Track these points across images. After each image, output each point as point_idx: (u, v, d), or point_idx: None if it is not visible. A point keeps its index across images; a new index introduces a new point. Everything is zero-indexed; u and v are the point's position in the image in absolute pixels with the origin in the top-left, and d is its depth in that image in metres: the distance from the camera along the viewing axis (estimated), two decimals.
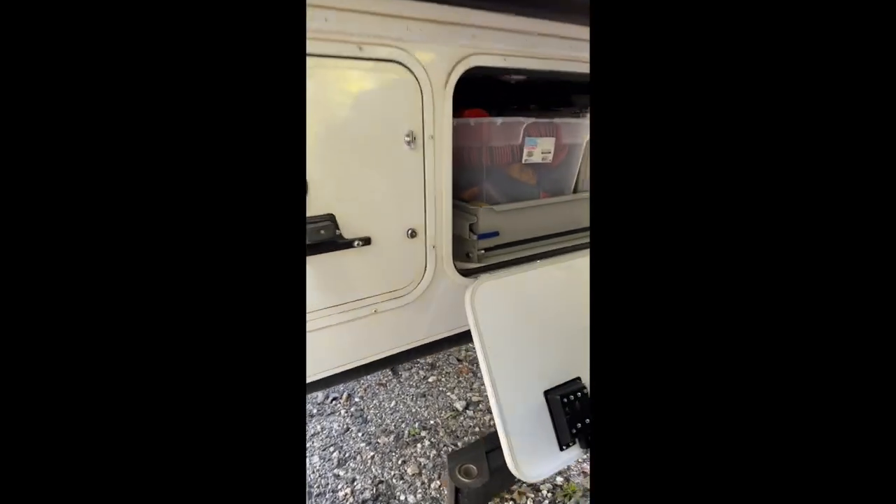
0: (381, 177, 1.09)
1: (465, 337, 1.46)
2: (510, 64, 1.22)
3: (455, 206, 1.27)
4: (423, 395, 2.66)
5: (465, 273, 1.33)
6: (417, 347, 1.31)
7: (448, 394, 2.68)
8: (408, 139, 1.09)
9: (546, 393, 1.27)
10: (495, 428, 1.21)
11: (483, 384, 2.74)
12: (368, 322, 1.17)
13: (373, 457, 2.23)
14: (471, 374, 2.85)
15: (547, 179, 1.54)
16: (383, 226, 1.12)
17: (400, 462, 2.20)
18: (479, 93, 1.55)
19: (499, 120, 1.31)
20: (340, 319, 1.12)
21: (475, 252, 1.43)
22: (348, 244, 1.07)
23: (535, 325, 1.32)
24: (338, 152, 1.01)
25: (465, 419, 2.48)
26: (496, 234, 1.43)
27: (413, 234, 1.17)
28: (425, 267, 1.22)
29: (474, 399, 2.62)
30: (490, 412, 2.51)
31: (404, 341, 1.27)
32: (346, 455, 2.25)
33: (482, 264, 1.41)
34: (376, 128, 1.05)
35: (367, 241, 1.09)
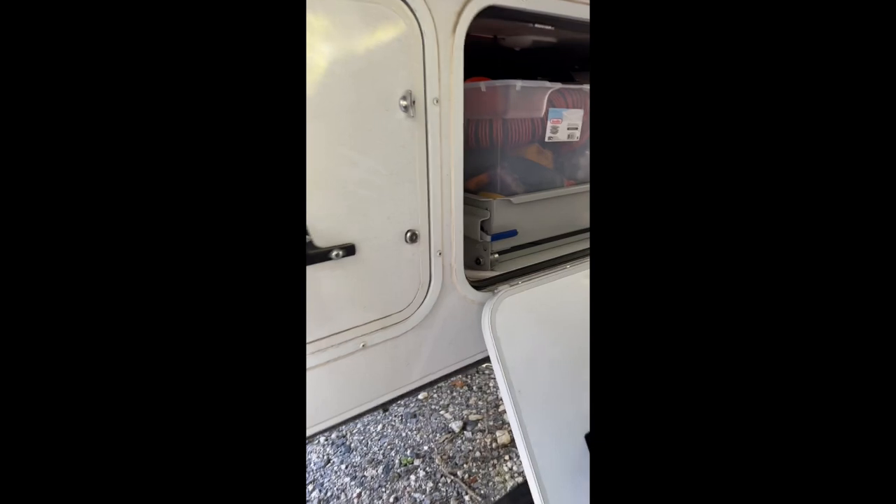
0: (369, 157, 0.76)
1: (478, 361, 1.15)
2: (533, 6, 0.91)
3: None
4: (414, 416, 2.35)
5: (478, 285, 1.02)
6: (420, 386, 0.99)
7: (442, 413, 2.37)
8: (404, 104, 0.77)
9: (588, 437, 1.00)
10: (524, 477, 0.93)
11: (482, 400, 2.45)
12: (354, 362, 0.85)
13: (359, 494, 1.91)
14: (466, 388, 2.56)
15: (569, 163, 1.25)
16: (372, 227, 0.80)
17: (392, 500, 1.89)
18: (476, 62, 1.24)
19: (518, 84, 1.00)
20: (315, 362, 0.80)
21: (487, 257, 1.12)
22: (323, 255, 0.74)
23: (570, 350, 1.03)
24: (307, 123, 0.68)
25: (462, 442, 2.18)
26: (514, 232, 1.13)
27: (413, 237, 0.85)
28: (430, 281, 0.91)
29: (472, 417, 2.33)
30: (492, 433, 2.23)
31: (403, 382, 0.95)
32: (328, 494, 1.92)
33: (497, 272, 1.10)
34: (361, 88, 0.73)
35: (349, 251, 0.77)
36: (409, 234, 0.85)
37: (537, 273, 1.09)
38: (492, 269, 1.13)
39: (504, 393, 0.94)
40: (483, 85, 1.01)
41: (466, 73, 0.86)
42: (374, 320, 0.85)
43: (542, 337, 1.00)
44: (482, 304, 1.00)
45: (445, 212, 0.89)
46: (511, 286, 1.02)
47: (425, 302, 0.91)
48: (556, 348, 1.00)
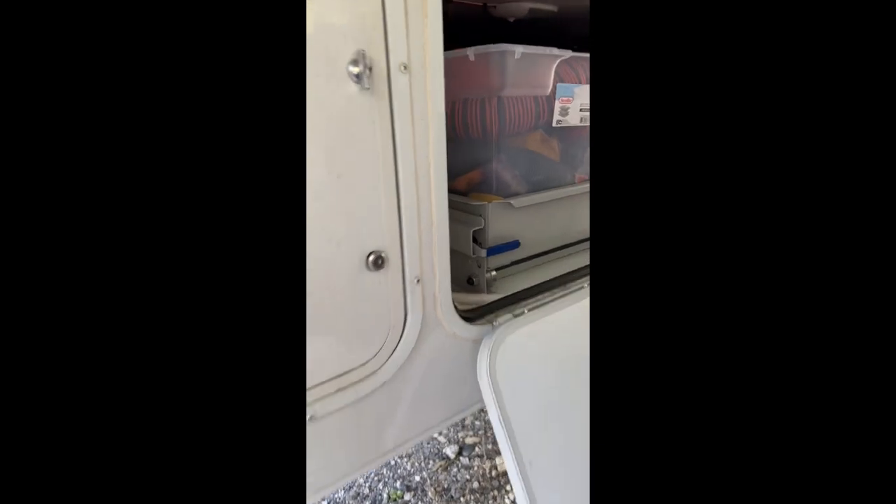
0: (309, 152, 0.51)
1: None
2: None
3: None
4: None
5: (471, 314, 0.78)
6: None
7: (435, 436, 2.14)
8: (356, 71, 0.52)
9: None
10: None
11: (478, 420, 2.22)
12: None
13: None
14: None
15: (582, 154, 1.01)
16: (317, 252, 0.55)
17: None
18: (461, 36, 1.00)
19: (518, 50, 0.75)
20: None
21: (482, 276, 0.88)
22: None
23: None
24: None
25: (458, 469, 1.96)
26: (516, 244, 0.89)
27: (379, 261, 0.61)
28: (405, 318, 0.66)
29: (468, 441, 2.10)
30: (491, 458, 2.00)
31: (372, 455, 0.71)
32: None
33: (496, 295, 0.86)
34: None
35: None
36: (371, 258, 0.60)
37: (547, 294, 0.86)
38: (489, 292, 0.89)
39: (509, 464, 0.70)
40: (471, 52, 0.77)
41: (448, 48, 0.62)
42: (326, 381, 0.60)
43: (558, 385, 0.76)
44: (477, 342, 0.76)
45: (424, 223, 0.64)
46: (515, 315, 0.79)
47: (399, 347, 0.67)
48: (575, 399, 0.77)
